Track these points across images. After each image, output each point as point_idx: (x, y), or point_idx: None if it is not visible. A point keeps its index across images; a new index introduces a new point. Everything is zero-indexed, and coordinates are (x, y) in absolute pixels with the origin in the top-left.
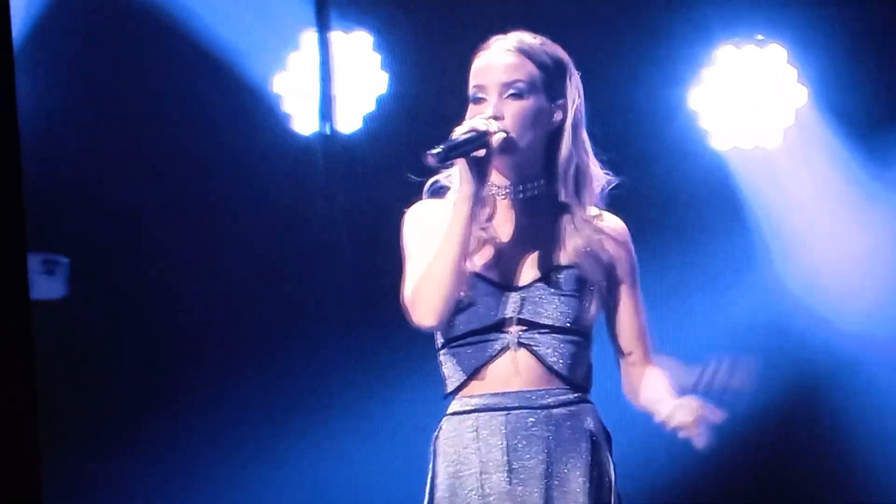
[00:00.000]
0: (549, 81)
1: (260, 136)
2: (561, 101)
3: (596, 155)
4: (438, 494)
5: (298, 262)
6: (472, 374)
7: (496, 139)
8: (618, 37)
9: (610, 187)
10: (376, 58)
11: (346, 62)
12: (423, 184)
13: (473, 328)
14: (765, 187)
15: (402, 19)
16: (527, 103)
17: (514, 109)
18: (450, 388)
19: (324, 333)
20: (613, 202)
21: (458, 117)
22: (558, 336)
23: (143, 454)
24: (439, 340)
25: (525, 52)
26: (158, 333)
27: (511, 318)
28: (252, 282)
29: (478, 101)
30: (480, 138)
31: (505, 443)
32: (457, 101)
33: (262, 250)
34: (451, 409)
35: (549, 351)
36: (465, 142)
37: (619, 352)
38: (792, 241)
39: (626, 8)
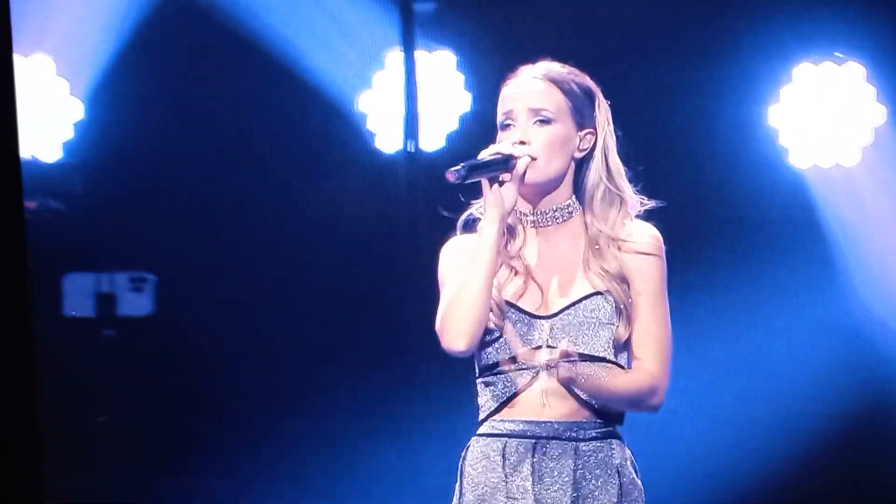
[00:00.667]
0: (577, 109)
1: (344, 154)
2: (589, 129)
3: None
4: None
5: (381, 279)
6: (503, 403)
7: (521, 163)
8: (697, 54)
9: (644, 209)
10: (459, 77)
11: (430, 81)
12: (458, 218)
13: (504, 357)
14: (843, 205)
15: (484, 39)
16: (554, 129)
17: (541, 135)
18: (481, 417)
19: (408, 348)
20: (690, 220)
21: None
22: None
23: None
24: (476, 369)
25: (553, 80)
26: (246, 344)
27: (541, 347)
28: (336, 296)
29: (505, 127)
30: (506, 161)
31: (531, 471)
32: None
33: (345, 266)
34: (480, 431)
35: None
36: (489, 163)
37: (629, 359)
38: (870, 259)
39: (706, 25)
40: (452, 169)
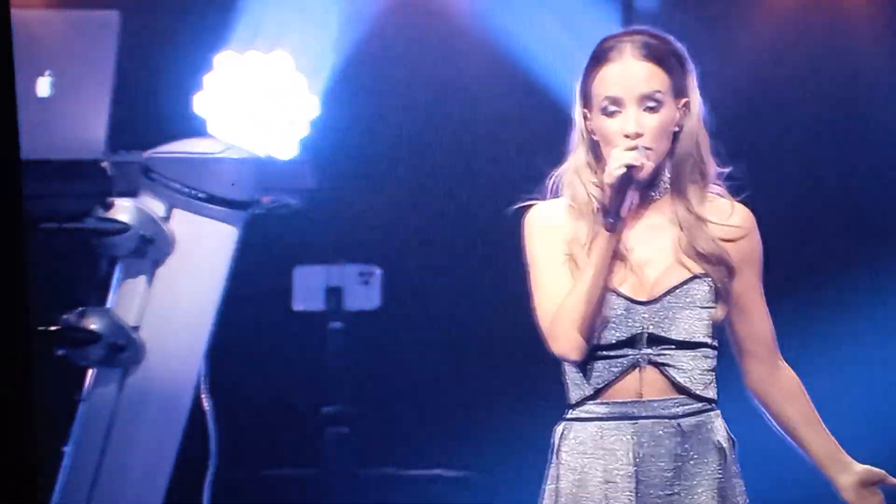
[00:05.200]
0: (676, 83)
1: (559, 148)
2: (685, 101)
3: None
4: (562, 501)
5: None
6: (599, 390)
7: (647, 169)
8: None
9: (724, 177)
10: None
11: None
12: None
13: (604, 343)
14: None
15: (704, 34)
16: (664, 114)
17: (653, 122)
18: (574, 400)
19: None
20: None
21: (747, 123)
22: (688, 351)
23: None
24: None
25: (658, 60)
26: (473, 337)
27: (641, 334)
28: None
29: (612, 113)
30: (632, 174)
31: (632, 452)
32: (743, 106)
33: None
34: (572, 415)
35: (679, 369)
36: (622, 187)
37: (739, 348)
38: None
39: None
40: (610, 220)
